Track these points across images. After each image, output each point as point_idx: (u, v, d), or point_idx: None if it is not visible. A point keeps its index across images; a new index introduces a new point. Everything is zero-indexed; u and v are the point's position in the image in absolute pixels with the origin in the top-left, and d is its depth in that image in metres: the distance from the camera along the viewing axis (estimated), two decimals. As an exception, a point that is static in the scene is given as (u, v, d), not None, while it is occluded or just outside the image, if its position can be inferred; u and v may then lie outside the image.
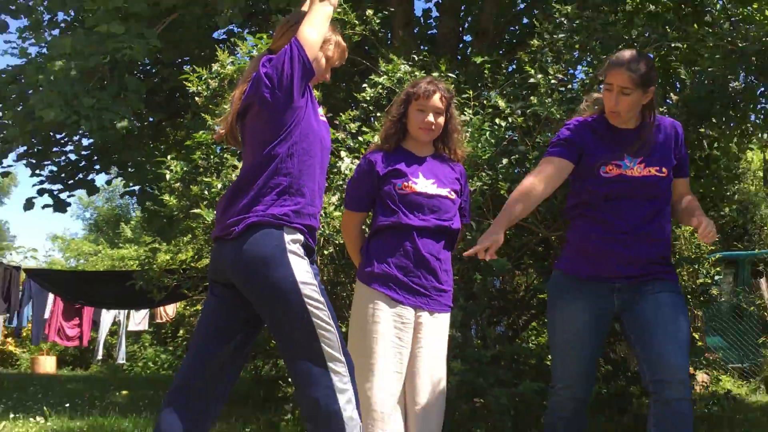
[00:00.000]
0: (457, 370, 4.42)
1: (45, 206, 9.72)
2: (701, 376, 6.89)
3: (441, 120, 3.53)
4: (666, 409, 3.04)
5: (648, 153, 3.21)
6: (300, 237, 2.77)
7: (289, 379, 5.04)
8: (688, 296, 5.58)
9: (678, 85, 6.48)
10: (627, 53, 3.22)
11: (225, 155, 5.31)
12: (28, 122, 7.92)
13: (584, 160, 3.25)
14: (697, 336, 6.14)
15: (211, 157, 5.37)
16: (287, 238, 2.73)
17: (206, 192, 5.17)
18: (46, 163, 9.31)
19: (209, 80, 5.46)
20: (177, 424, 2.74)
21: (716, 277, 6.62)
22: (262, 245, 2.70)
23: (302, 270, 2.72)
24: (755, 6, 6.32)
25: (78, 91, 7.08)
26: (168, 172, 5.59)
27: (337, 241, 4.79)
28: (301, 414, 2.77)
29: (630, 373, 5.22)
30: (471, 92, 5.18)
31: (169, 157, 5.88)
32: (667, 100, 5.94)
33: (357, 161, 4.60)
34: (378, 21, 5.96)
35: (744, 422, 6.35)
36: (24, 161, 9.08)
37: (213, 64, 5.49)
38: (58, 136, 9.09)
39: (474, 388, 4.58)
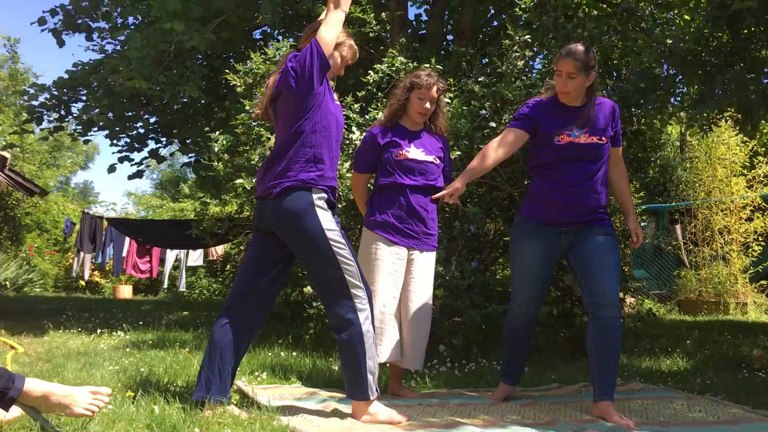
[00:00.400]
0: (441, 295, 4.47)
1: (130, 177, 9.76)
2: (629, 300, 6.92)
3: (434, 106, 3.55)
4: (601, 325, 3.10)
5: (591, 125, 3.23)
6: (324, 195, 2.84)
7: (313, 303, 5.08)
8: (620, 238, 5.59)
9: (615, 74, 6.43)
10: (572, 46, 3.23)
11: (260, 131, 5.29)
12: (105, 97, 7.91)
13: (540, 131, 3.27)
14: (626, 269, 6.15)
15: (250, 134, 5.37)
16: (315, 197, 2.79)
17: (246, 163, 5.19)
18: (121, 135, 9.29)
19: (245, 76, 5.49)
20: (227, 335, 2.82)
21: (642, 224, 6.63)
22: (296, 203, 2.77)
23: (327, 220, 2.79)
24: (676, 12, 6.25)
25: (152, 72, 7.09)
26: (215, 144, 5.59)
27: (348, 197, 4.80)
28: (330, 327, 2.85)
29: (574, 298, 5.25)
30: (452, 80, 5.15)
31: (217, 132, 5.87)
32: (606, 87, 5.90)
33: (364, 134, 4.60)
34: (386, 20, 5.91)
35: (660, 335, 6.42)
36: (104, 132, 9.08)
37: (248, 61, 5.52)
38: (129, 114, 9.06)
39: (453, 310, 4.62)
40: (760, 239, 9.55)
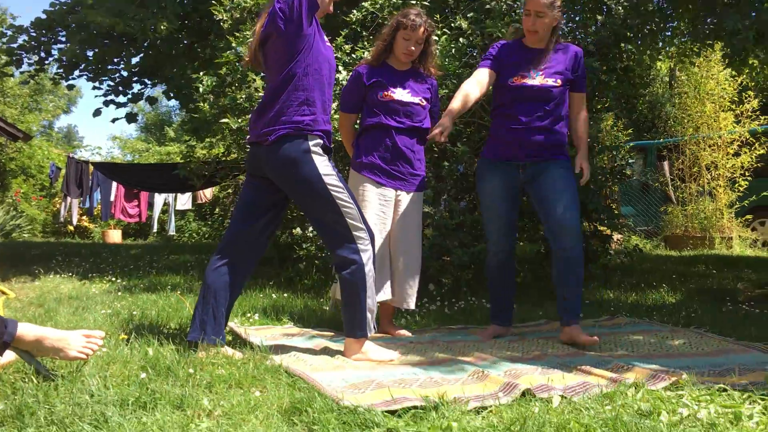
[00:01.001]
0: (430, 235, 4.50)
1: (115, 119, 9.64)
2: (617, 236, 6.99)
3: (420, 48, 3.48)
4: (562, 255, 3.27)
5: (548, 66, 3.33)
6: (320, 141, 2.81)
7: (303, 245, 5.10)
8: (608, 175, 5.62)
9: (605, 9, 6.33)
10: None
11: (247, 71, 5.20)
12: (79, 32, 7.72)
13: (501, 72, 3.38)
14: (614, 206, 6.19)
15: (236, 74, 5.28)
16: (310, 143, 2.77)
17: (231, 103, 5.11)
18: (104, 78, 9.13)
19: (232, 11, 5.32)
20: (221, 278, 2.84)
21: (630, 161, 6.64)
22: (292, 150, 2.75)
23: (323, 165, 2.78)
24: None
25: (123, 8, 6.89)
26: (200, 85, 5.49)
27: (336, 138, 4.77)
28: (335, 266, 2.89)
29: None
30: (439, 16, 5.05)
31: (201, 73, 5.76)
32: (597, 22, 5.82)
33: (351, 74, 4.54)
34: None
35: (646, 270, 6.51)
36: (85, 75, 8.91)
37: None
38: (110, 58, 8.88)
39: (442, 249, 4.66)
40: (747, 174, 9.61)
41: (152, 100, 9.94)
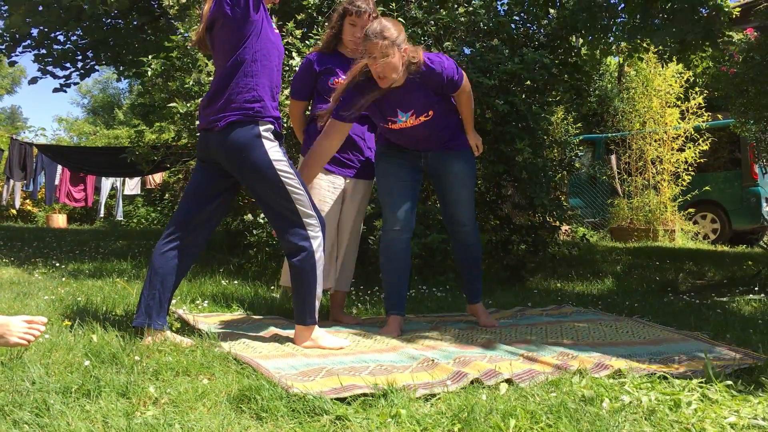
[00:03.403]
0: (380, 226, 4.48)
1: (55, 90, 9.37)
2: (564, 227, 7.13)
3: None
4: (459, 241, 3.47)
5: (414, 106, 3.16)
6: (271, 126, 2.78)
7: (254, 231, 5.05)
8: (557, 167, 5.71)
9: (558, 3, 6.41)
10: (372, 26, 3.00)
11: (197, 55, 5.11)
12: (22, 3, 7.48)
13: (371, 114, 3.28)
14: (562, 197, 6.30)
15: (185, 59, 5.19)
16: (261, 128, 2.74)
17: (180, 88, 5.03)
18: (48, 59, 8.87)
19: None
20: (168, 262, 2.81)
21: (579, 154, 6.74)
22: (242, 136, 2.72)
23: (274, 151, 2.76)
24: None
25: None
26: (149, 69, 5.39)
27: (288, 125, 4.73)
28: (286, 254, 2.87)
29: (513, 226, 5.36)
30: (394, 4, 5.04)
31: (149, 57, 5.65)
32: (549, 16, 5.88)
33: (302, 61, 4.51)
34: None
35: (592, 261, 6.65)
36: (30, 52, 8.65)
37: None
38: (56, 36, 8.63)
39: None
40: (690, 169, 9.87)
41: (87, 71, 9.61)
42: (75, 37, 9.19)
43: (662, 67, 9.85)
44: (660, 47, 6.28)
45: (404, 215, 3.30)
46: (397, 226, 3.30)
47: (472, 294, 3.55)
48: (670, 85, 10.19)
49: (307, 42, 4.92)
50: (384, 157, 3.38)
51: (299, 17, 5.05)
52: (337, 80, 3.39)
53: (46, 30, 8.43)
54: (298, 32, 4.95)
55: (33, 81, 8.86)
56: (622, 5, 6.45)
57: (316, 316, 2.87)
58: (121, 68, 9.81)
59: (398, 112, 3.19)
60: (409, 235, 3.33)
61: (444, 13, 4.69)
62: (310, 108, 3.64)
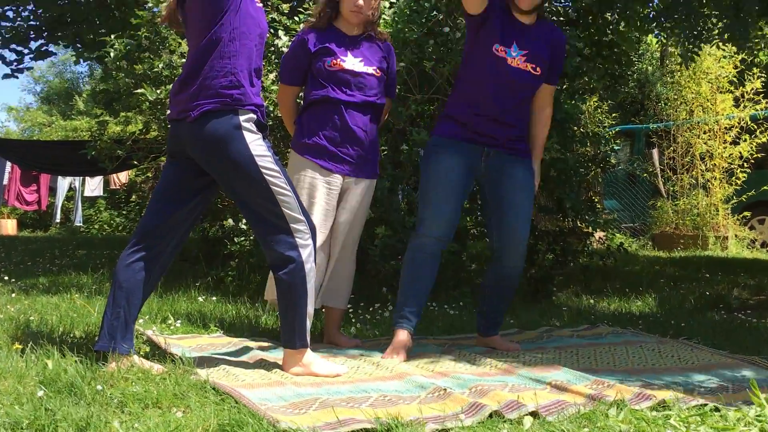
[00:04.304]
0: (382, 235, 4.47)
1: (5, 75, 9.40)
2: (598, 234, 7.12)
3: (375, 2, 3.46)
4: (502, 272, 3.47)
5: (532, 49, 3.32)
6: (253, 116, 2.78)
7: (234, 239, 5.06)
8: (590, 164, 5.70)
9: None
10: None
11: (167, 34, 5.13)
12: None
13: (484, 30, 3.32)
14: (596, 199, 6.30)
15: (154, 38, 5.20)
16: (241, 118, 2.74)
17: (149, 71, 5.04)
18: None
19: None
20: (134, 275, 2.80)
21: (615, 148, 6.74)
22: (219, 127, 2.71)
23: (256, 144, 2.75)
24: None
25: None
26: (112, 50, 5.41)
27: (275, 115, 4.74)
28: (271, 266, 2.87)
29: (537, 233, 5.35)
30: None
31: (112, 36, 5.66)
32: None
33: (293, 39, 4.52)
34: None
35: (631, 273, 6.64)
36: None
37: None
38: (6, 12, 8.66)
39: (396, 251, 4.65)
40: (746, 165, 9.76)
41: (43, 54, 9.62)
42: (27, 13, 9.22)
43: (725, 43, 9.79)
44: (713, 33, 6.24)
45: (445, 222, 3.35)
46: (434, 233, 3.34)
47: (492, 326, 3.56)
48: (722, 67, 10.13)
49: (296, 18, 4.93)
50: (439, 149, 3.38)
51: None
52: (335, 61, 3.39)
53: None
54: (285, 6, 4.96)
55: None
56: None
57: (308, 338, 2.87)
58: (80, 49, 9.82)
59: (514, 44, 3.29)
60: (443, 246, 3.39)
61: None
62: (302, 95, 3.64)
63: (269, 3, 4.97)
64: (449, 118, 3.41)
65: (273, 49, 4.81)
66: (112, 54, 5.41)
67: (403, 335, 3.27)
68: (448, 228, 3.36)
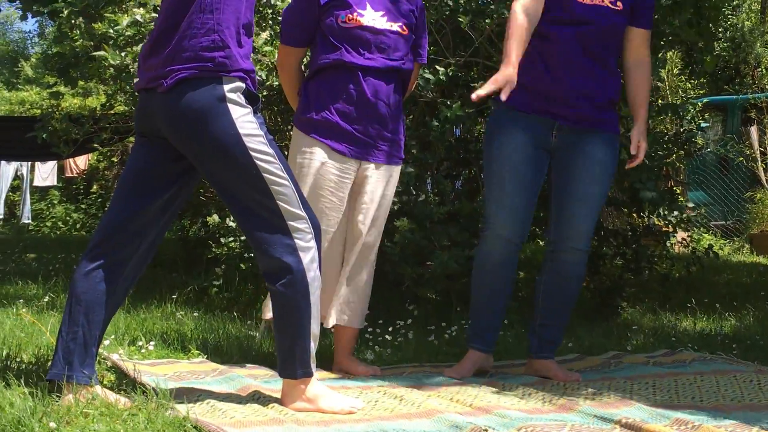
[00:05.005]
0: (403, 228, 4.45)
1: None
2: (681, 235, 7.08)
3: None
4: (560, 268, 3.56)
5: None
6: (241, 85, 2.76)
7: (221, 239, 5.08)
8: (671, 145, 5.67)
9: None
10: None
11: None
12: None
13: None
14: (678, 190, 6.27)
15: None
16: (226, 88, 2.72)
17: (111, 30, 5.06)
18: None
19: None
20: (96, 286, 2.79)
21: (702, 125, 6.69)
22: (198, 99, 2.70)
23: (245, 120, 2.73)
24: None
25: None
26: (66, 3, 5.43)
27: (271, 84, 4.74)
28: (264, 275, 2.86)
29: (603, 233, 5.34)
30: None
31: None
32: None
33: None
34: None
35: (725, 285, 6.59)
36: None
37: None
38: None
39: (422, 250, 4.64)
40: None
41: None
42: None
43: None
44: None
45: (518, 217, 3.46)
46: (507, 231, 3.44)
47: (547, 345, 3.58)
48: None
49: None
50: (503, 130, 3.45)
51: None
52: (350, 16, 3.39)
53: None
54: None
55: None
56: None
57: (313, 366, 2.87)
58: (28, 2, 9.89)
59: None
60: (519, 246, 3.53)
61: None
62: (308, 57, 3.65)
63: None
64: (516, 83, 3.44)
65: (266, 2, 4.81)
66: (66, 10, 5.43)
67: (472, 355, 3.53)
68: (520, 226, 3.47)
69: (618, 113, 3.58)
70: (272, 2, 4.79)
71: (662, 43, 5.60)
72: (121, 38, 5.09)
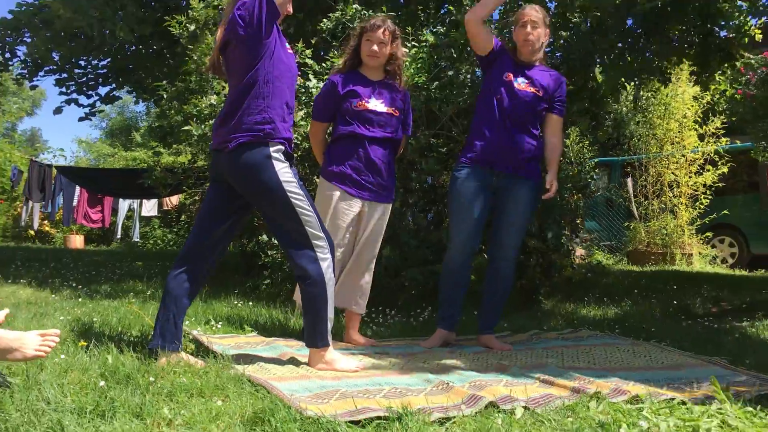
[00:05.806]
0: (386, 255, 4.51)
1: (80, 119, 9.51)
2: (580, 251, 7.05)
3: (385, 50, 3.50)
4: (495, 272, 3.61)
5: (534, 78, 3.50)
6: (281, 147, 2.78)
7: (268, 252, 5.06)
8: (573, 191, 5.67)
9: (572, 27, 6.41)
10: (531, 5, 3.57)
11: (212, 80, 5.19)
12: (45, 30, 7.63)
13: (495, 68, 3.52)
14: (578, 220, 6.25)
15: (201, 82, 5.28)
16: (271, 149, 2.75)
17: (195, 110, 5.10)
18: (70, 83, 9.00)
19: (187, 25, 5.38)
20: (182, 285, 2.82)
21: (595, 177, 6.69)
22: (252, 157, 2.72)
23: (284, 172, 2.76)
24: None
25: (82, 4, 6.85)
26: (165, 92, 5.48)
27: (304, 146, 4.76)
28: (296, 277, 2.88)
29: (528, 248, 5.32)
30: (411, 29, 5.08)
31: (164, 82, 5.73)
32: (562, 41, 5.90)
33: (321, 83, 4.58)
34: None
35: (610, 286, 6.59)
36: (51, 76, 8.80)
37: (189, 11, 5.40)
38: (76, 57, 8.77)
39: (398, 269, 4.67)
40: (708, 192, 9.75)
41: (111, 99, 9.76)
42: (96, 61, 9.33)
43: (693, 85, 9.72)
44: (681, 66, 6.25)
45: (470, 237, 3.50)
46: (464, 246, 3.50)
47: (488, 324, 3.62)
48: (689, 108, 10.11)
49: (324, 64, 4.97)
50: (460, 178, 3.49)
51: (313, 41, 5.10)
52: (359, 102, 3.43)
53: (69, 56, 8.56)
54: (308, 51, 5.01)
55: (57, 111, 8.98)
56: (639, 30, 6.44)
57: (329, 339, 2.87)
58: (140, 92, 9.92)
59: (520, 75, 3.48)
60: (471, 256, 3.57)
61: (454, 33, 4.72)
62: (330, 129, 3.66)
63: (294, 48, 5.01)
64: (468, 145, 3.55)
65: (303, 90, 4.85)
66: (165, 96, 5.49)
67: (438, 332, 3.55)
68: (472, 241, 3.50)
69: (539, 166, 3.58)
70: (309, 88, 4.82)
71: (570, 120, 5.63)
72: (202, 115, 5.11)
